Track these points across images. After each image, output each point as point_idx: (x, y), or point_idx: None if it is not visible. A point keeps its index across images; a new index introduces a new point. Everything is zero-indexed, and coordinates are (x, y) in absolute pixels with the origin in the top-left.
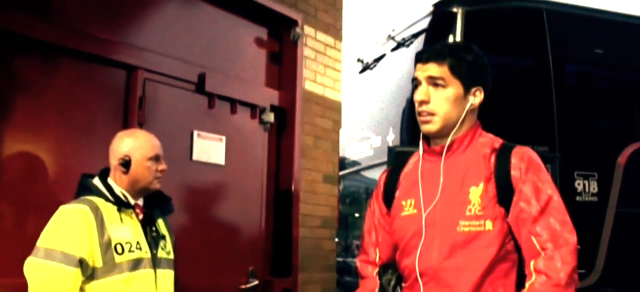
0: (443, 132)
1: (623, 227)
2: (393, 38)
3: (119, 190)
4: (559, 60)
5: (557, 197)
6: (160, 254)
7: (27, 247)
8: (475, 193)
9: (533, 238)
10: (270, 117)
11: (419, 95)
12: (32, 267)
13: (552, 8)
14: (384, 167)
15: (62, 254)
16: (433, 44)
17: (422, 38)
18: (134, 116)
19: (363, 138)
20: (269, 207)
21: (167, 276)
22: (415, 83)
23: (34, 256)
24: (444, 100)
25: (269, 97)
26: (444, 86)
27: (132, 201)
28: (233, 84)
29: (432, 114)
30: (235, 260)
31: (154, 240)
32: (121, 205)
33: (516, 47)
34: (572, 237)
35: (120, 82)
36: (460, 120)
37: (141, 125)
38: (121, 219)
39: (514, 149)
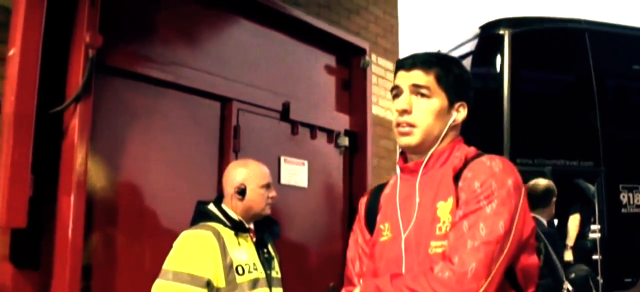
0: (422, 148)
1: None
2: None
3: (235, 215)
4: (602, 77)
5: (491, 207)
6: (273, 274)
7: (142, 269)
8: (444, 209)
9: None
10: (345, 141)
11: (400, 104)
12: (161, 289)
13: (594, 28)
14: None
15: (190, 276)
16: (481, 66)
17: (469, 59)
18: (230, 145)
19: None
20: (345, 226)
21: None
22: (396, 92)
23: (163, 278)
24: (427, 112)
25: (343, 122)
26: (428, 96)
27: (246, 226)
28: (312, 111)
29: (412, 126)
30: (318, 276)
31: (266, 261)
32: (239, 229)
33: (560, 66)
34: (475, 242)
35: (216, 112)
36: (441, 137)
37: (236, 154)
38: (239, 243)
39: (476, 159)
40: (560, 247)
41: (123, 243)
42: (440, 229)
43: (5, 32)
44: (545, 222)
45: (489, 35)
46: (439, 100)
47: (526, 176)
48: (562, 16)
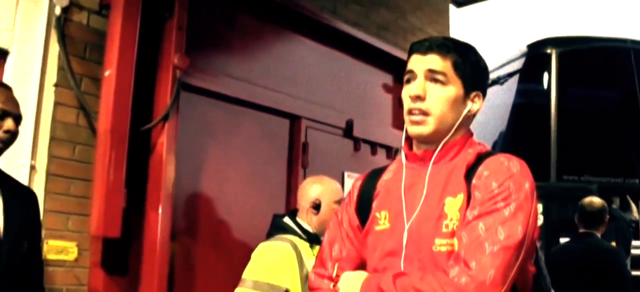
0: (434, 138)
1: None
2: None
3: (310, 229)
4: None
5: (509, 210)
6: None
7: (219, 277)
8: (453, 205)
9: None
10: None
11: (413, 90)
12: None
13: (639, 47)
14: None
15: (269, 285)
16: (528, 83)
17: (516, 77)
18: (298, 160)
19: None
20: None
21: None
22: (409, 76)
23: (243, 287)
24: (442, 100)
25: (400, 138)
26: (444, 83)
27: (321, 238)
28: (373, 128)
29: (426, 114)
30: None
31: None
32: (314, 241)
33: (606, 84)
34: (494, 247)
35: (285, 129)
36: (455, 127)
37: (305, 169)
38: (313, 255)
39: (491, 156)
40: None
41: (202, 252)
42: (446, 226)
43: (98, 54)
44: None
45: (536, 54)
46: (455, 88)
47: (573, 193)
48: (607, 36)
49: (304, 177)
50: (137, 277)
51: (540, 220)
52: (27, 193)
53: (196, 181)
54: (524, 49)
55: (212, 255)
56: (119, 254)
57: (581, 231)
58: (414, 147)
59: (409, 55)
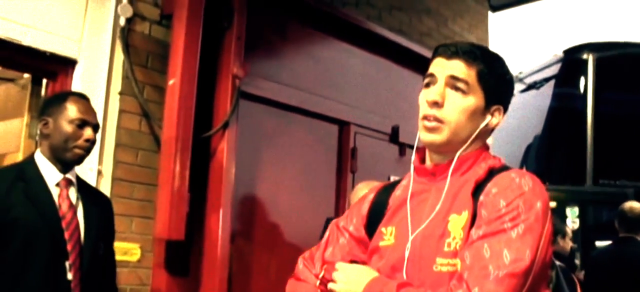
0: (447, 148)
1: None
2: (521, 80)
3: None
4: None
5: (517, 231)
6: None
7: (272, 278)
8: (456, 223)
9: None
10: None
11: (431, 95)
12: None
13: None
14: None
15: None
16: (564, 88)
17: (552, 82)
18: (347, 165)
19: None
20: None
21: None
22: (429, 80)
23: None
24: (460, 109)
25: None
26: (465, 92)
27: None
28: (416, 134)
29: (441, 122)
30: None
31: None
32: None
33: None
34: (499, 272)
35: (334, 135)
36: (470, 140)
37: (353, 174)
38: None
39: (502, 172)
40: None
41: (258, 254)
42: (449, 244)
43: (159, 63)
44: None
45: (573, 59)
46: (475, 99)
47: (609, 197)
48: None
49: (353, 181)
50: (198, 277)
51: (576, 224)
52: (101, 198)
53: (252, 186)
54: (560, 54)
55: (267, 256)
56: (180, 255)
57: (622, 235)
58: (427, 159)
59: (433, 57)
